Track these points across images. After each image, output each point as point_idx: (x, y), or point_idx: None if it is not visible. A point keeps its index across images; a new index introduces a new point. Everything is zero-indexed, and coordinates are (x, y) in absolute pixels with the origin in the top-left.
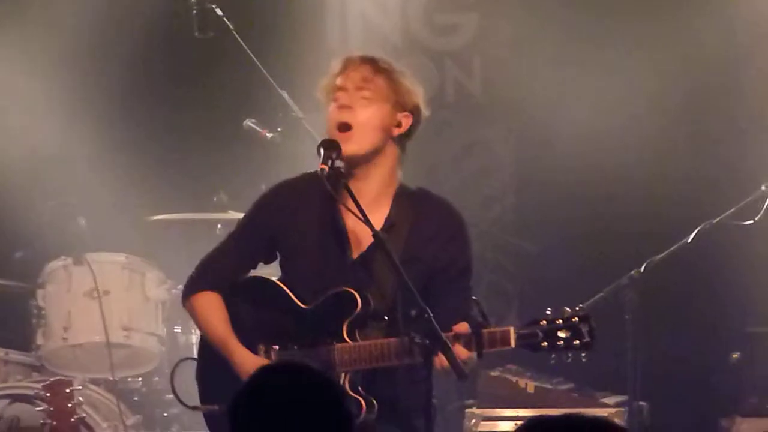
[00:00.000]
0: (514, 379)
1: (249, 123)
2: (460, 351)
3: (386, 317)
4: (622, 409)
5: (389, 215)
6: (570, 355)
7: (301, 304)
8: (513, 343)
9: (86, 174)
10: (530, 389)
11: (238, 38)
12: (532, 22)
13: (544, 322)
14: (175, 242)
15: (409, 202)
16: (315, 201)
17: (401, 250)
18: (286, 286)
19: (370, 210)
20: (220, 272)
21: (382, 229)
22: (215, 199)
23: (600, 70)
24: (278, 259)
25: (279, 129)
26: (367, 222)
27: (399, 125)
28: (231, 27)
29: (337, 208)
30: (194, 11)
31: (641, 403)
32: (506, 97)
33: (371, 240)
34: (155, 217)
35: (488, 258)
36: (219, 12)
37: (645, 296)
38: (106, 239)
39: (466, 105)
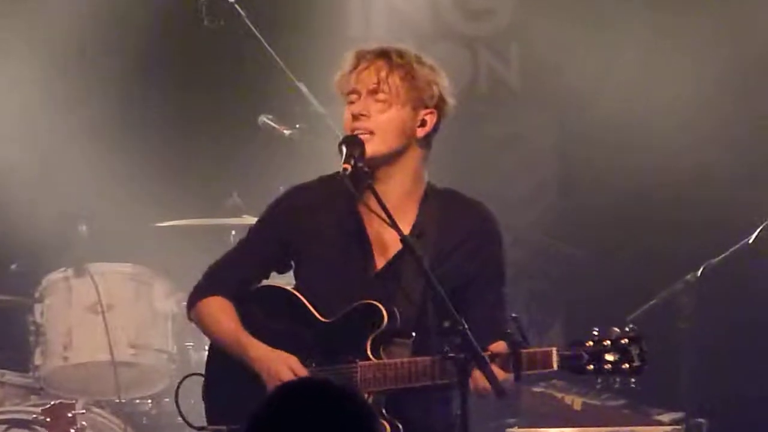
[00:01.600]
0: (559, 395)
1: (265, 119)
2: (497, 372)
3: (414, 334)
4: (679, 427)
5: (417, 221)
6: (618, 379)
7: (320, 317)
8: (555, 366)
9: (87, 178)
10: (577, 406)
11: (251, 26)
12: (574, 4)
13: (591, 343)
14: (186, 250)
15: (438, 204)
16: (335, 205)
17: (431, 258)
18: (304, 297)
19: (395, 215)
20: (228, 280)
21: (410, 235)
22: (228, 202)
23: (652, 54)
24: (293, 268)
25: (297, 125)
26: (394, 226)
27: (423, 124)
28: (242, 14)
29: (359, 213)
30: None
31: (700, 420)
32: (547, 86)
33: (398, 247)
34: (164, 224)
35: (529, 264)
36: None
37: (702, 303)
38: (110, 248)
39: (503, 96)
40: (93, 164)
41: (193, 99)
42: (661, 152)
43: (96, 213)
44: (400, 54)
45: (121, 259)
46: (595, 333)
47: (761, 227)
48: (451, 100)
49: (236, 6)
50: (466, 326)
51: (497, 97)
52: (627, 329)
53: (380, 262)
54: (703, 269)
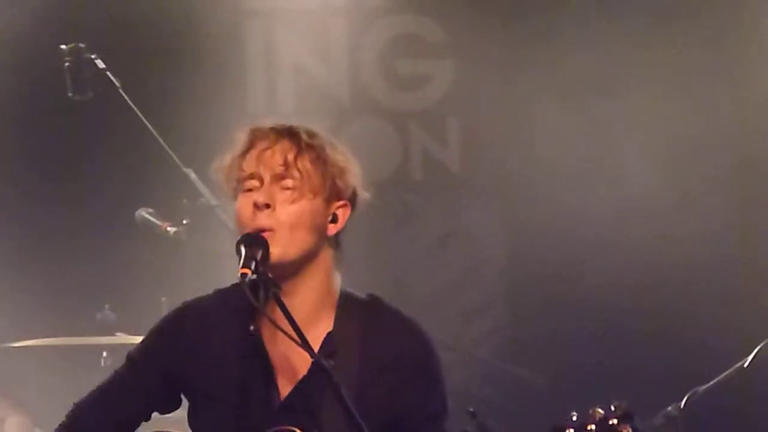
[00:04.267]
0: None
1: (143, 214)
2: None
3: None
4: None
5: (330, 335)
6: None
7: None
8: None
9: None
10: None
11: (127, 99)
12: (527, 68)
13: (570, 430)
14: (46, 377)
15: (358, 317)
16: (230, 325)
17: (351, 384)
18: None
19: (305, 331)
20: (95, 423)
21: (320, 351)
22: (98, 317)
23: (623, 123)
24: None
25: (184, 221)
26: (305, 345)
27: (335, 220)
28: (117, 84)
29: (260, 330)
30: (67, 63)
31: None
32: (493, 170)
33: (303, 372)
34: (17, 344)
35: (473, 393)
36: (100, 64)
37: None
38: None
39: (440, 182)
40: None
41: (54, 186)
42: (637, 251)
43: None
44: (310, 133)
45: None
46: (574, 417)
47: (760, 346)
48: (364, 194)
49: (108, 74)
50: None
51: (433, 185)
52: (613, 407)
53: (285, 389)
54: (688, 398)
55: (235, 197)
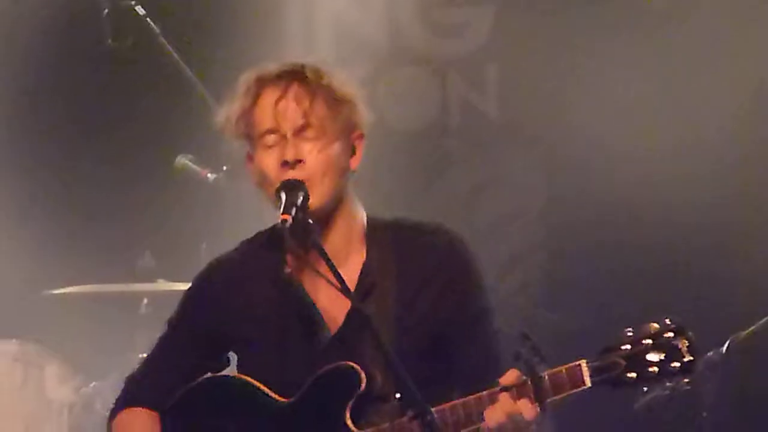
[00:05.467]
0: None
1: (183, 161)
2: (522, 407)
3: (398, 395)
4: None
5: (365, 267)
6: (669, 384)
7: (279, 398)
8: (588, 382)
9: None
10: None
11: (167, 46)
12: (566, 15)
13: (626, 346)
14: (85, 324)
15: (389, 240)
16: (263, 273)
17: (392, 310)
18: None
19: (340, 266)
20: (151, 389)
21: (359, 287)
22: (139, 264)
23: (662, 72)
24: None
25: (225, 167)
26: (345, 291)
27: (354, 152)
28: (156, 30)
29: (296, 274)
30: (106, 11)
31: None
32: (532, 117)
33: (347, 308)
34: (57, 291)
35: (510, 343)
36: (140, 10)
37: (728, 387)
38: None
39: (478, 130)
40: None
41: (94, 137)
42: (677, 196)
43: None
44: (318, 73)
45: (4, 336)
46: (629, 333)
47: None
48: (371, 117)
49: (148, 20)
50: (434, 415)
51: (471, 132)
52: (668, 321)
53: (333, 326)
54: (729, 343)
55: (251, 149)
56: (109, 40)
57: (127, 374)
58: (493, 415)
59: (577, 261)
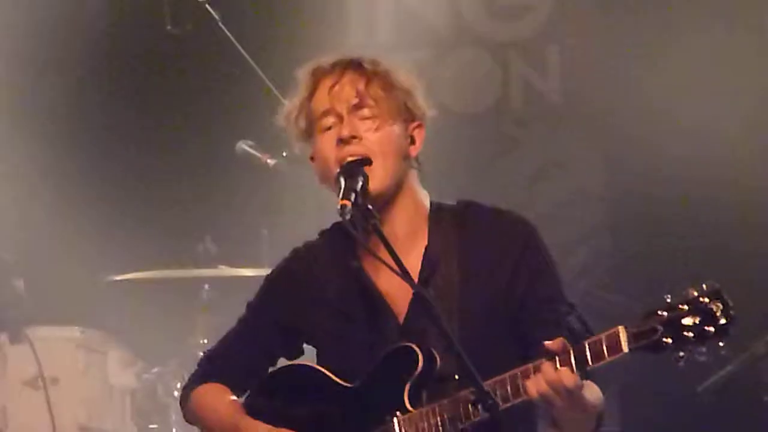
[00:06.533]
0: None
1: (243, 146)
2: (563, 375)
3: (457, 376)
4: None
5: (427, 251)
6: (705, 349)
7: (345, 384)
8: (626, 347)
9: (26, 223)
10: None
11: (227, 32)
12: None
13: (664, 312)
14: (147, 310)
15: (451, 223)
16: (338, 263)
17: (456, 293)
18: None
19: (403, 252)
20: (227, 369)
21: (422, 272)
22: (200, 249)
23: (719, 58)
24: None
25: (284, 153)
26: (406, 277)
27: (413, 141)
28: (216, 17)
29: (361, 262)
30: None
31: None
32: (593, 99)
33: (410, 295)
34: (119, 277)
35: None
36: None
37: None
38: (53, 308)
39: (540, 114)
40: (30, 205)
41: (154, 122)
42: (737, 180)
43: (36, 264)
44: (373, 62)
45: (67, 322)
46: (668, 299)
47: None
48: (431, 111)
49: (208, 6)
50: (497, 401)
51: (533, 116)
52: (704, 286)
53: (401, 314)
54: None
55: (308, 142)
56: (169, 26)
57: (188, 360)
58: (534, 385)
59: (639, 242)
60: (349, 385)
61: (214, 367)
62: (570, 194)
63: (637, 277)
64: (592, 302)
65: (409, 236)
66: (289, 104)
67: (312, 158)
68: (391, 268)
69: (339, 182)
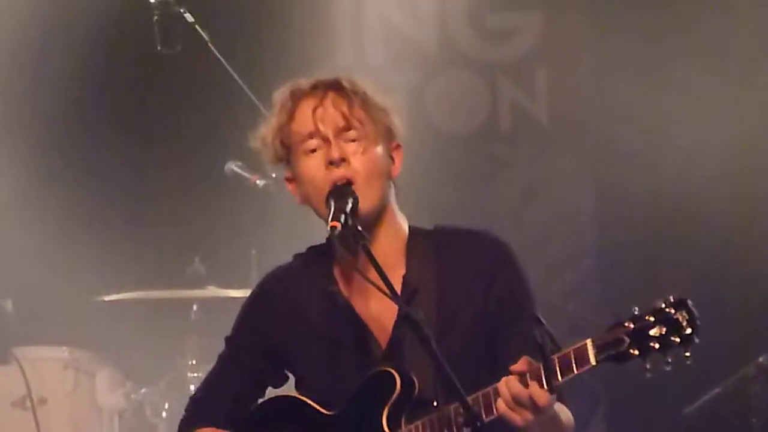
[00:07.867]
0: None
1: (232, 167)
2: (533, 391)
3: (436, 402)
4: None
5: (406, 275)
6: (669, 359)
7: (326, 412)
8: (593, 360)
9: (13, 243)
10: None
11: (216, 53)
12: (614, 21)
13: (629, 323)
14: (136, 331)
15: (428, 247)
16: (314, 287)
17: (434, 316)
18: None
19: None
20: (215, 408)
21: (402, 295)
22: (189, 270)
23: (710, 80)
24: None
25: (274, 174)
26: (395, 297)
27: (393, 161)
28: (206, 38)
29: (339, 289)
30: (155, 17)
31: None
32: (582, 122)
33: (393, 318)
34: (108, 298)
35: (562, 345)
36: (189, 18)
37: None
38: (42, 328)
39: (528, 134)
40: (20, 226)
41: (143, 142)
42: (725, 204)
43: (24, 284)
44: (351, 82)
45: (55, 343)
46: (635, 311)
47: None
48: (404, 131)
49: (197, 27)
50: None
51: (522, 137)
52: (671, 297)
53: (383, 338)
54: None
55: (284, 164)
56: (159, 47)
57: (177, 380)
58: (503, 401)
59: (628, 264)
60: (330, 412)
61: (203, 410)
62: (559, 215)
63: (626, 299)
64: (579, 324)
65: (388, 261)
66: (265, 126)
67: (288, 179)
68: (379, 288)
69: (329, 204)
